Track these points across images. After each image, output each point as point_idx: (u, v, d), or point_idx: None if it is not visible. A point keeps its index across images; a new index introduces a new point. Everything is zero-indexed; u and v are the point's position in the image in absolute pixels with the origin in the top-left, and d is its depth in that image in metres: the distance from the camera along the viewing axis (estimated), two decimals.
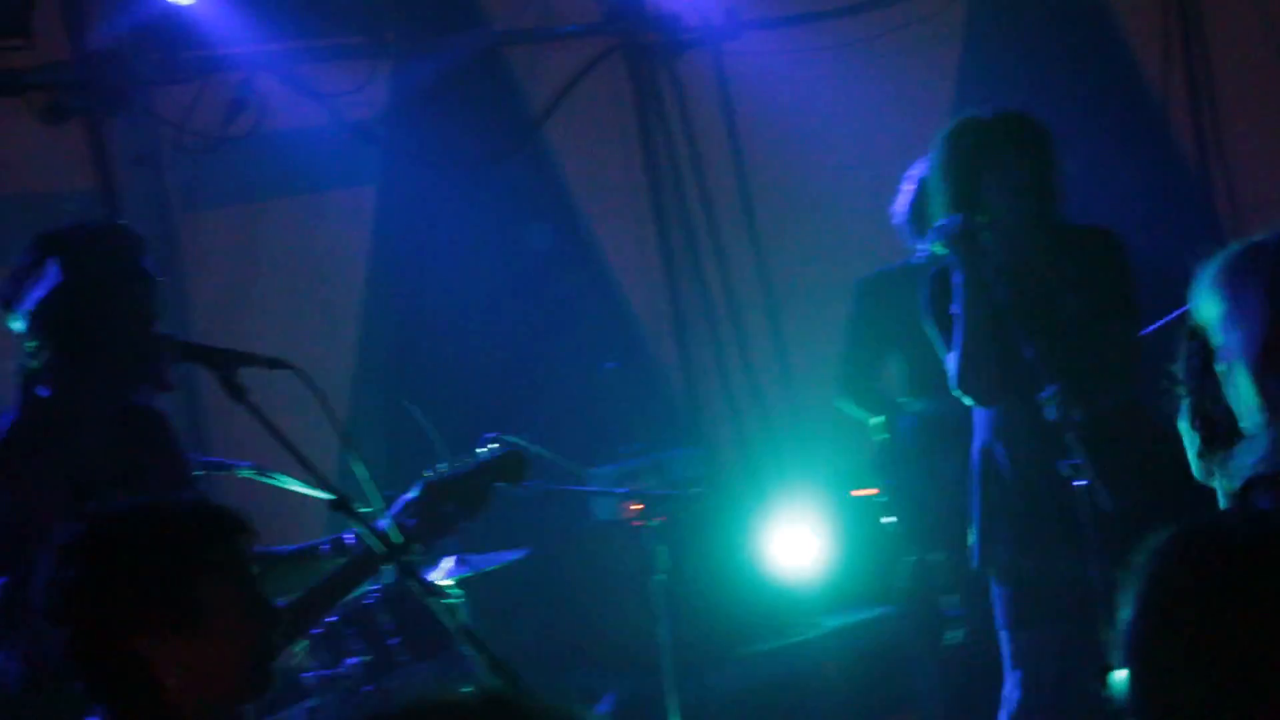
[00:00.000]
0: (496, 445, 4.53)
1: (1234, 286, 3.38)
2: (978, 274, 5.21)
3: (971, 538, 5.51)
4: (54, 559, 3.03)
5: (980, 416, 5.46)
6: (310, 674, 5.96)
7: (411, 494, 4.22)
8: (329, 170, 7.72)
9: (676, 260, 8.47)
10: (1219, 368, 3.41)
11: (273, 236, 7.66)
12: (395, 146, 7.92)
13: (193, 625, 3.04)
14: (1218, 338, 3.40)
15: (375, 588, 5.63)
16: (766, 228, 8.45)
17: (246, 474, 5.37)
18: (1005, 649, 5.48)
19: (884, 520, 6.76)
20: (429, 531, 4.20)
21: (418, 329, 7.99)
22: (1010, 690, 5.50)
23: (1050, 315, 5.33)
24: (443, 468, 4.39)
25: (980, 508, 5.47)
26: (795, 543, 7.69)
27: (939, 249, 5.28)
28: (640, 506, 6.91)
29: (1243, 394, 3.36)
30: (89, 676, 3.01)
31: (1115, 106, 9.02)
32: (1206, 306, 3.43)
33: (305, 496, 4.79)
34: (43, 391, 4.01)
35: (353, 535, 4.18)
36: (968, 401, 5.35)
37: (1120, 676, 1.63)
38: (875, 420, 6.72)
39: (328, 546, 4.24)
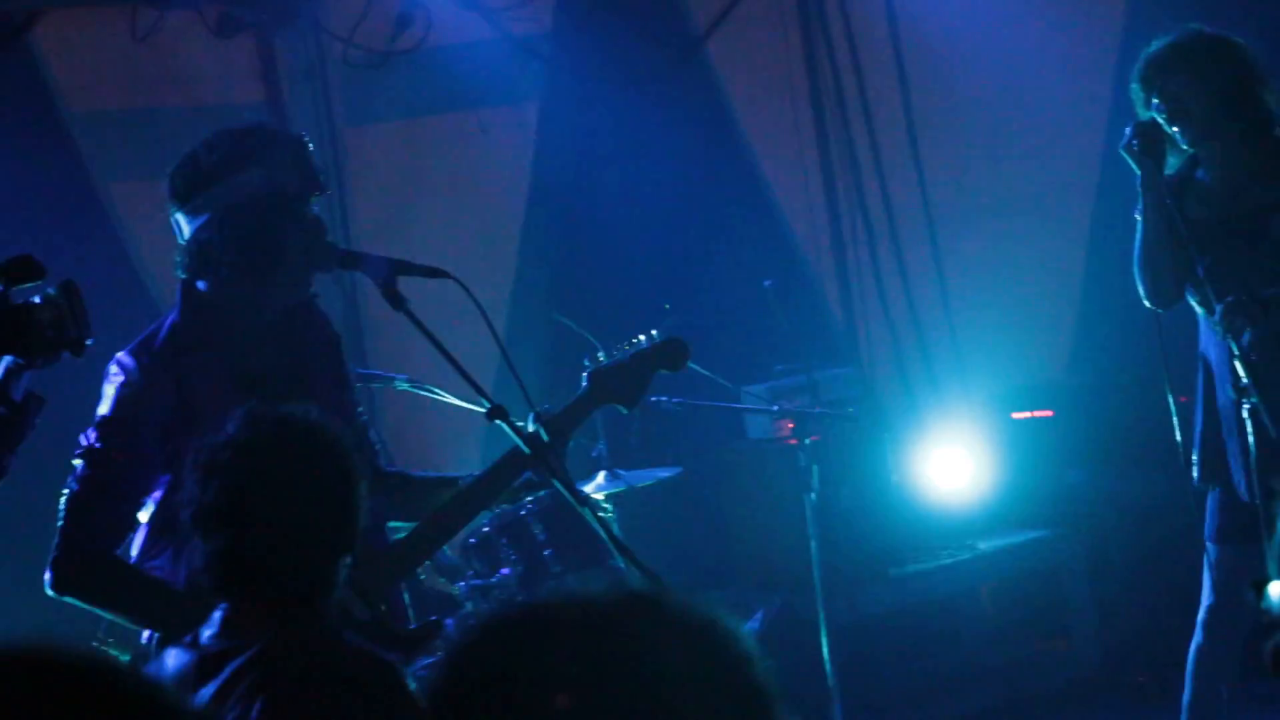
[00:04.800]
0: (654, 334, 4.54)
1: None
2: (1153, 180, 5.21)
3: (1195, 453, 5.49)
4: (231, 463, 3.10)
5: (1200, 325, 5.47)
6: (463, 584, 6.04)
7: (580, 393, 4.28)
8: (493, 86, 7.76)
9: (837, 179, 8.44)
10: None
11: (435, 152, 7.72)
12: (559, 63, 7.94)
13: (352, 533, 3.15)
14: None
15: (529, 500, 5.68)
16: (929, 148, 8.39)
17: (403, 386, 5.44)
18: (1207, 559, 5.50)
19: None
20: (576, 419, 4.24)
21: (577, 246, 8.04)
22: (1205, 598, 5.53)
23: (1257, 233, 5.32)
24: (601, 357, 4.42)
25: (1202, 421, 5.47)
26: (951, 464, 7.67)
27: (1123, 154, 5.28)
28: (794, 425, 6.93)
29: None
30: (256, 579, 3.08)
31: None
32: None
33: (459, 409, 4.85)
34: (204, 288, 4.06)
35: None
36: (1147, 304, 5.34)
37: (1276, 589, 1.61)
38: None
39: (469, 480, 4.27)
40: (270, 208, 4.02)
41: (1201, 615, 5.52)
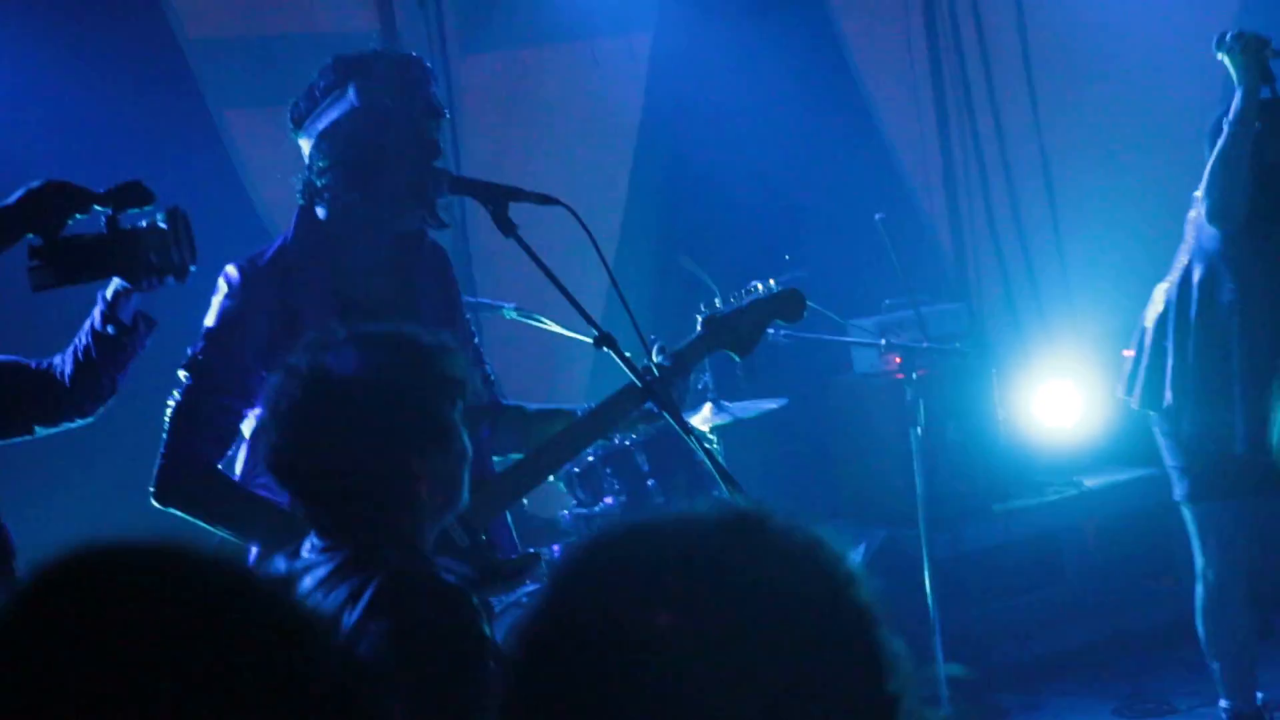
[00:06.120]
0: (771, 284, 4.51)
1: None
2: (1253, 88, 5.15)
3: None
4: (325, 384, 3.11)
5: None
6: (567, 513, 6.09)
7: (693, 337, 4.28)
8: (605, 17, 7.76)
9: (950, 112, 8.39)
10: None
11: (547, 81, 7.74)
12: None
13: (447, 443, 3.16)
14: None
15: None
16: (1045, 85, 8.32)
17: (511, 314, 5.46)
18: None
19: None
20: (693, 358, 4.24)
21: (688, 178, 8.04)
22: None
23: None
24: (719, 304, 4.41)
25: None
26: (1058, 400, 7.64)
27: (1225, 57, 5.21)
28: (901, 359, 6.92)
29: None
30: (347, 497, 3.11)
31: None
32: None
33: (567, 338, 4.86)
34: (320, 211, 4.10)
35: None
36: (1210, 223, 5.28)
37: None
38: None
39: (584, 412, 4.29)
40: (368, 124, 4.04)
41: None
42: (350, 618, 2.95)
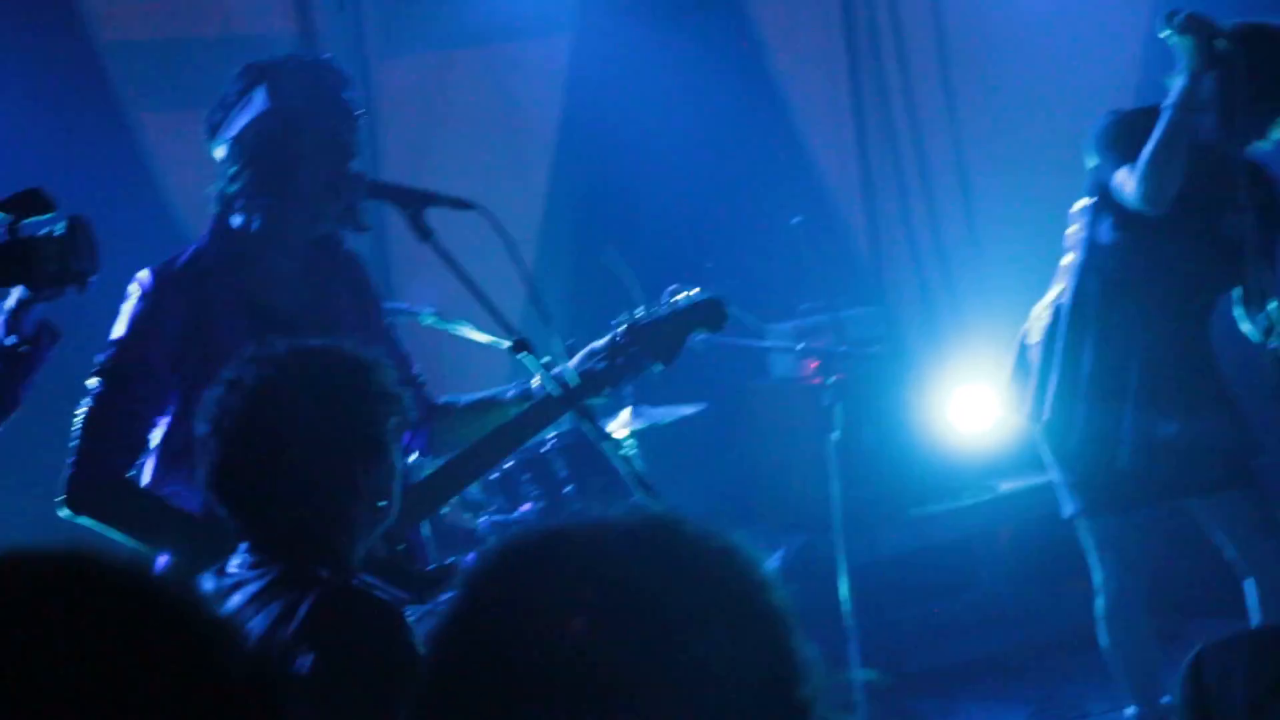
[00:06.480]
0: (694, 292, 4.48)
1: None
2: (1199, 72, 5.13)
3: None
4: (265, 391, 3.09)
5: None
6: (485, 520, 6.07)
7: (602, 340, 4.25)
8: (525, 20, 7.75)
9: (868, 117, 8.42)
10: None
11: (466, 84, 7.72)
12: None
13: (385, 458, 3.15)
14: None
15: (552, 435, 5.70)
16: (962, 86, 8.37)
17: (429, 320, 5.44)
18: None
19: None
20: (615, 376, 4.23)
21: (606, 180, 8.03)
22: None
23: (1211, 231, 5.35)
24: (639, 313, 4.40)
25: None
26: (974, 406, 7.68)
27: (1172, 37, 5.17)
28: (818, 364, 6.93)
29: None
30: (288, 513, 3.09)
31: None
32: None
33: (485, 344, 4.85)
34: (235, 220, 4.08)
35: (538, 383, 4.21)
36: (1141, 205, 5.27)
37: None
38: None
39: (512, 392, 4.28)
40: (278, 126, 4.01)
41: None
42: (284, 634, 2.93)
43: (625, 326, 4.29)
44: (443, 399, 4.45)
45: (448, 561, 3.99)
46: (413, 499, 4.03)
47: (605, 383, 4.22)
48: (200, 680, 1.39)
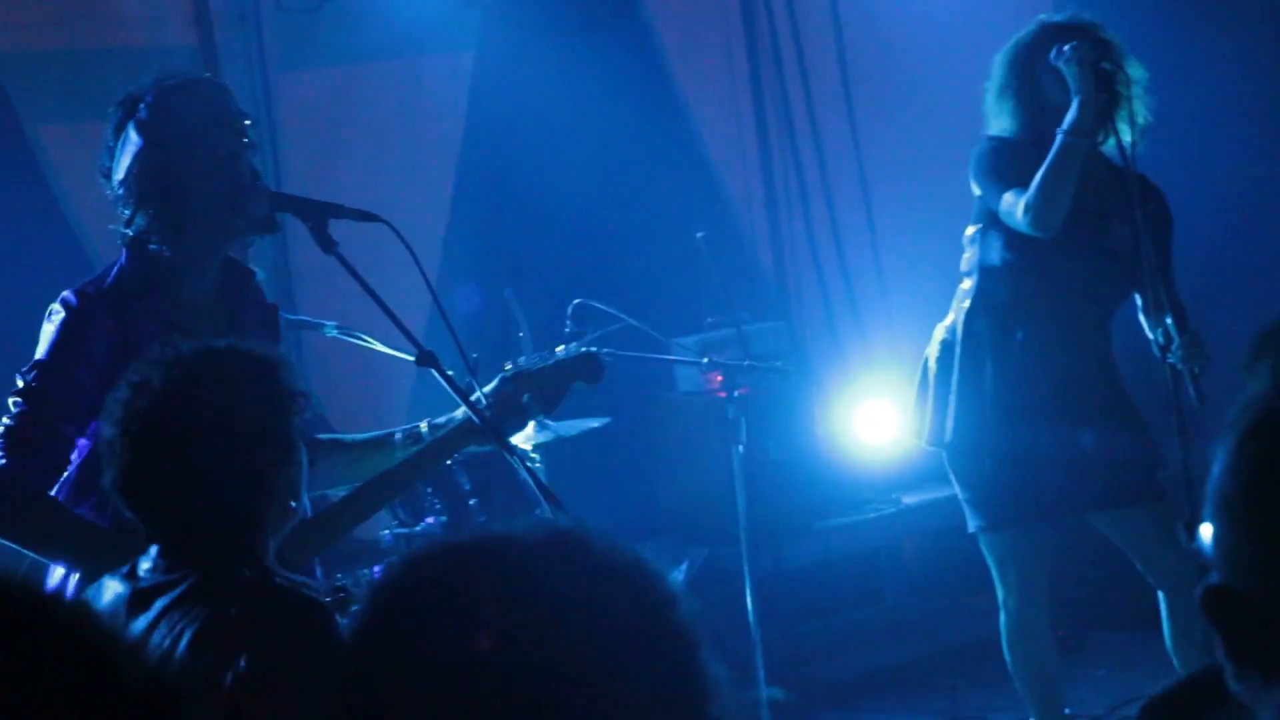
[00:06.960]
0: (575, 345, 4.52)
1: None
2: (1090, 98, 5.21)
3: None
4: (178, 396, 3.06)
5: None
6: (388, 533, 6.05)
7: (492, 385, 4.24)
8: (428, 34, 7.73)
9: (771, 133, 8.46)
10: None
11: (369, 99, 7.69)
12: (494, 12, 7.92)
13: (292, 456, 3.14)
14: None
15: None
16: (863, 103, 8.42)
17: (332, 333, 5.41)
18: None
19: None
20: (505, 421, 4.20)
21: (510, 195, 8.03)
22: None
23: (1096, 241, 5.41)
24: (523, 361, 4.39)
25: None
26: (877, 419, 7.72)
27: (1063, 65, 5.26)
28: (722, 378, 6.95)
29: None
30: (202, 515, 3.06)
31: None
32: None
33: (389, 357, 4.83)
34: (152, 247, 4.03)
35: (425, 427, 4.18)
36: (1023, 225, 5.33)
37: (1207, 531, 1.62)
38: None
39: (400, 435, 4.25)
40: (156, 158, 3.98)
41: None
42: (216, 638, 2.91)
43: (511, 374, 4.27)
44: (325, 436, 4.39)
45: (339, 591, 3.96)
46: (309, 530, 3.99)
47: (494, 429, 4.18)
48: (94, 697, 1.37)
